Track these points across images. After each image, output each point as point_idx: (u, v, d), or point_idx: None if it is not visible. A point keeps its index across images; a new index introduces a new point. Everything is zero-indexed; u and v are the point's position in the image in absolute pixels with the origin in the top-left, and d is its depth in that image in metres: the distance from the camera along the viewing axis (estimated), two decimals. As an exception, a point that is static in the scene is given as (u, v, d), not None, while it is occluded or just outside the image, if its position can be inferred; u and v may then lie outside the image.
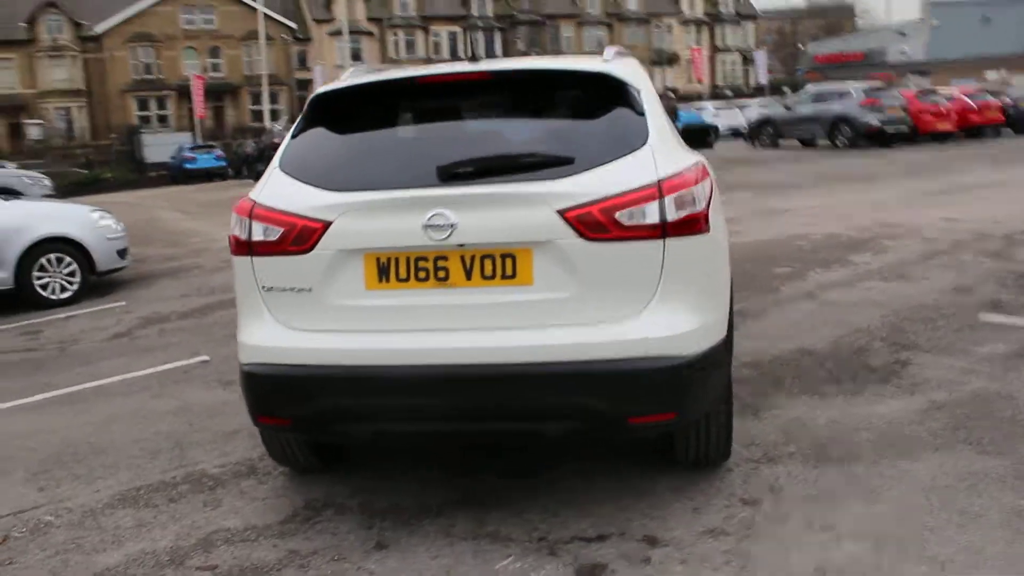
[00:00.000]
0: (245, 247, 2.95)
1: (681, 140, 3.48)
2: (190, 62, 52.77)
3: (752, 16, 63.91)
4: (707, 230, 2.81)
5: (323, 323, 2.87)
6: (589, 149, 2.80)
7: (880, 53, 44.24)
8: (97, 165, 29.12)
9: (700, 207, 2.79)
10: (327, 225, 2.80)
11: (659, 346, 2.68)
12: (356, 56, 55.61)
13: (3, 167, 17.14)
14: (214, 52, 53.50)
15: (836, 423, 3.77)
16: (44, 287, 7.53)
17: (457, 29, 59.04)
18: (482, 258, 2.72)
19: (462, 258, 2.73)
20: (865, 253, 7.67)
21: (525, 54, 54.42)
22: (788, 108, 23.32)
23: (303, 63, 55.88)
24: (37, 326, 6.99)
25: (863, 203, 11.09)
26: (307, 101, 3.19)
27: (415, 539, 3.01)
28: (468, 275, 2.74)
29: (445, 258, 2.74)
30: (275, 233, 2.87)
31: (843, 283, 6.54)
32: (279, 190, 2.95)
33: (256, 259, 2.93)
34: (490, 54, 59.15)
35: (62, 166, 28.40)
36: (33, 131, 40.89)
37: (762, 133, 23.67)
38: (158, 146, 38.89)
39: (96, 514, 3.42)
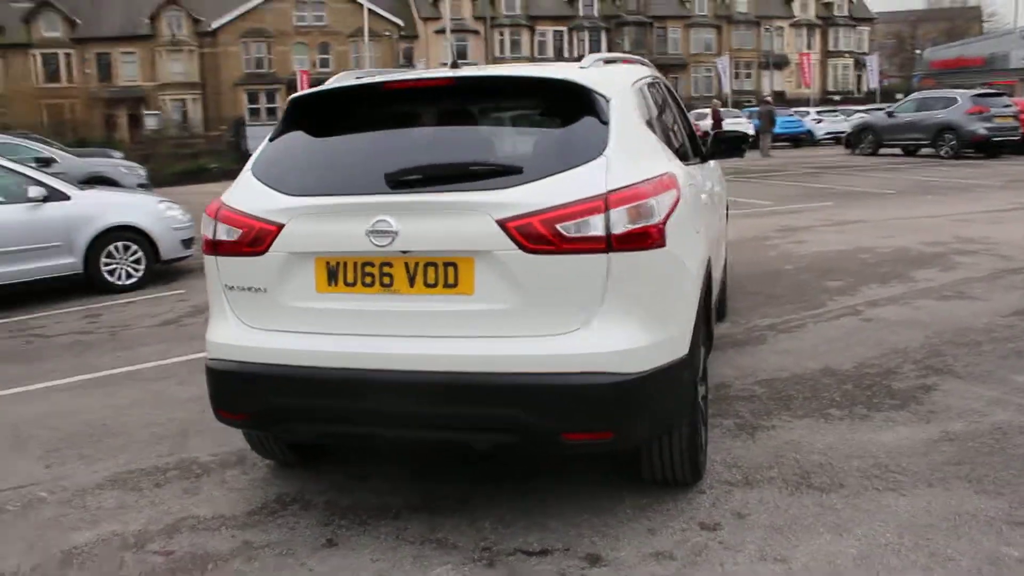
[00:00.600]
0: (211, 247, 3.02)
1: (669, 149, 3.37)
2: (300, 57, 54.74)
3: (867, 19, 61.36)
4: (663, 244, 2.71)
5: (277, 323, 2.92)
6: (541, 159, 2.75)
7: (1003, 59, 41.68)
8: (206, 155, 30.49)
9: (654, 220, 2.69)
10: (280, 228, 2.85)
11: (598, 362, 2.60)
12: (461, 54, 56.37)
13: (109, 156, 18.08)
14: (323, 48, 55.32)
15: (832, 449, 3.57)
16: (111, 273, 7.93)
17: (563, 29, 59.03)
18: (425, 266, 2.71)
19: (406, 265, 2.73)
20: (931, 269, 7.25)
21: (628, 54, 53.84)
22: (891, 115, 22.28)
23: (409, 60, 57.01)
24: (98, 310, 7.37)
25: (947, 216, 10.49)
26: (286, 105, 3.24)
27: (365, 539, 3.03)
28: (412, 282, 2.73)
29: (390, 264, 2.74)
30: (235, 234, 2.93)
31: (895, 300, 6.20)
32: (245, 192, 3.01)
33: (219, 259, 3.00)
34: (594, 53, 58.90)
35: (173, 155, 29.87)
36: (150, 121, 43.22)
37: (862, 140, 22.68)
38: (261, 138, 40.33)
39: (85, 493, 3.58)
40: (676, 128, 4.07)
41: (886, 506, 3.04)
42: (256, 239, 2.89)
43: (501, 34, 57.63)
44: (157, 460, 3.89)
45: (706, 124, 28.60)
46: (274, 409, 2.92)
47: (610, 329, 2.63)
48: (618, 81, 3.10)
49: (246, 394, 2.97)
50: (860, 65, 56.89)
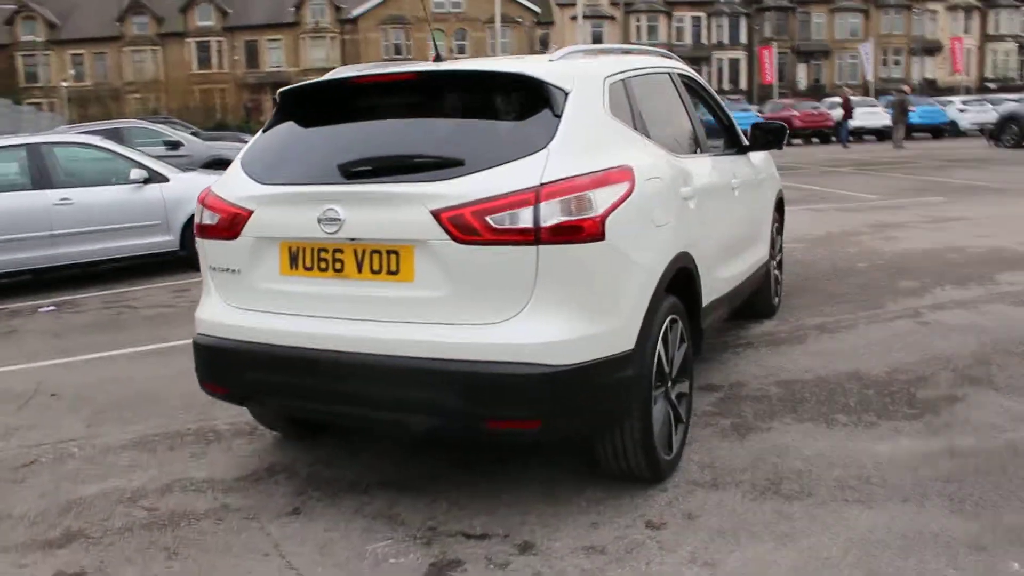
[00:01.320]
0: (199, 230, 3.25)
1: (656, 142, 3.33)
2: (437, 43, 56.00)
3: (1036, -2, 56.63)
4: (601, 237, 2.71)
5: (249, 302, 3.11)
6: (484, 152, 2.80)
7: None
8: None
9: (591, 214, 2.69)
10: (250, 214, 3.04)
11: (525, 352, 2.64)
12: (597, 40, 56.12)
13: (241, 139, 19.18)
14: (460, 34, 56.46)
15: (820, 456, 3.45)
16: (205, 250, 8.50)
17: (701, 15, 57.67)
18: (371, 253, 2.83)
19: (355, 252, 2.85)
20: (1020, 272, 6.74)
21: (769, 42, 52.05)
22: (1042, 104, 20.61)
23: (545, 47, 57.21)
24: (188, 285, 7.91)
25: (1071, 217, 9.68)
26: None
27: (328, 511, 3.19)
28: (359, 268, 2.85)
29: (341, 251, 2.87)
30: (215, 219, 3.15)
31: (964, 304, 5.82)
32: (230, 181, 3.22)
33: (205, 242, 3.22)
34: (734, 41, 57.21)
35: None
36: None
37: (1005, 132, 21.08)
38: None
39: (108, 452, 3.92)
40: (680, 120, 3.99)
41: (845, 519, 2.93)
42: (231, 224, 3.09)
43: (638, 20, 56.85)
44: (180, 426, 4.20)
45: (837, 113, 27.38)
46: (245, 383, 3.12)
47: (539, 320, 2.67)
48: (583, 74, 3.10)
49: (223, 368, 3.18)
50: (1024, 49, 52.65)
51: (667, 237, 3.11)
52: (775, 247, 5.61)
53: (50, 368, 5.47)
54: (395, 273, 2.80)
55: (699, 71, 60.54)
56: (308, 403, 3.05)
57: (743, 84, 56.90)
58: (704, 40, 57.55)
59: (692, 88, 4.63)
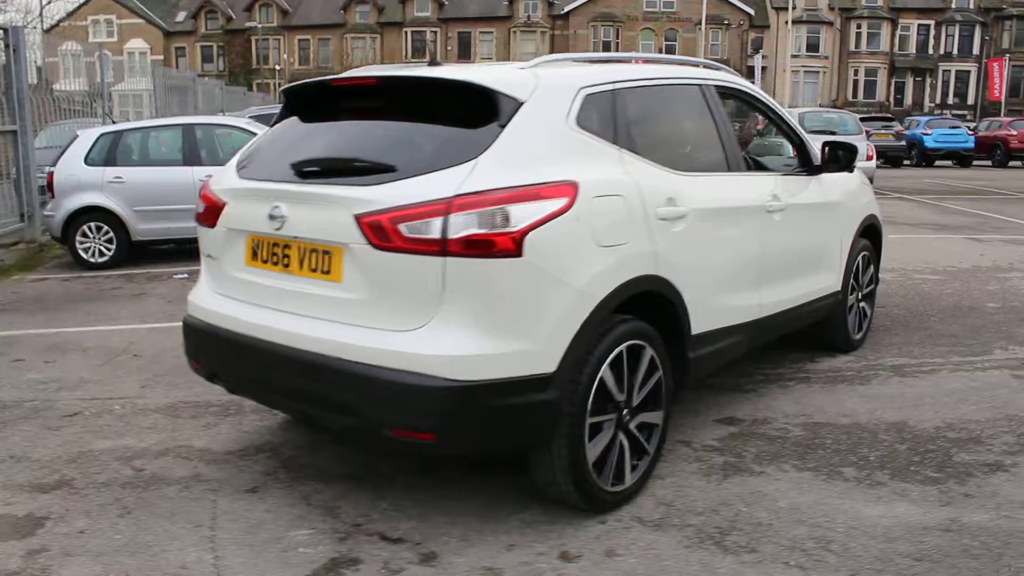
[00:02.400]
0: (196, 217, 3.48)
1: (643, 156, 3.19)
2: (646, 43, 55.73)
3: None
4: (518, 254, 2.63)
5: (223, 288, 3.30)
6: (419, 159, 2.80)
7: None
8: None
9: (508, 229, 2.62)
10: (224, 206, 3.22)
11: (427, 364, 2.62)
12: (813, 47, 53.35)
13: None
14: (670, 35, 55.67)
15: (792, 511, 3.16)
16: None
17: (929, 22, 53.21)
18: (310, 251, 2.91)
19: (299, 248, 2.95)
20: None
21: (1003, 54, 47.16)
22: None
23: (757, 51, 55.17)
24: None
25: None
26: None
27: (280, 493, 3.33)
28: (301, 264, 2.95)
29: (288, 246, 2.98)
30: (202, 208, 3.37)
31: (1088, 362, 5.06)
32: (221, 174, 3.42)
33: (199, 228, 3.45)
34: (964, 52, 52.27)
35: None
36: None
37: None
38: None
39: (141, 413, 4.29)
40: (700, 135, 3.76)
41: (768, 583, 2.68)
42: (212, 214, 3.29)
43: (858, 26, 53.28)
44: (213, 397, 4.49)
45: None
46: (211, 362, 3.32)
47: (445, 333, 2.64)
48: (548, 84, 3.00)
49: (196, 347, 3.40)
50: None
51: (619, 259, 2.96)
52: (858, 278, 5.15)
53: (149, 330, 6.03)
54: (328, 273, 2.87)
55: (922, 84, 55.70)
56: (250, 389, 3.20)
57: (971, 99, 51.99)
58: (930, 50, 53.07)
59: (752, 104, 4.36)
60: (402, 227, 2.64)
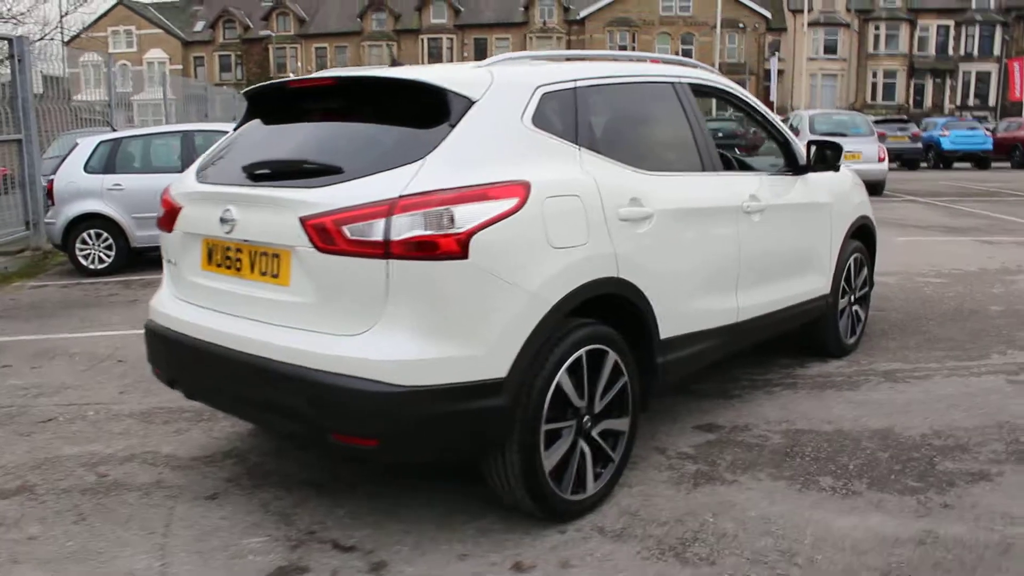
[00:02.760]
0: (157, 222, 3.44)
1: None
2: (662, 47, 55.56)
3: None
4: (463, 256, 2.56)
5: (182, 293, 3.26)
6: (367, 160, 2.74)
7: None
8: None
9: (453, 230, 2.55)
10: (180, 210, 3.18)
11: (369, 369, 2.56)
12: (830, 49, 52.92)
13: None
14: (686, 39, 55.49)
15: (760, 521, 3.06)
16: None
17: (949, 23, 52.57)
18: (260, 255, 2.86)
19: (249, 252, 2.90)
20: None
21: (1021, 55, 46.47)
22: None
23: (775, 54, 54.80)
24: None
25: None
26: None
27: (239, 500, 3.27)
28: (252, 268, 2.89)
29: (240, 250, 2.93)
30: (162, 212, 3.33)
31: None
32: (182, 179, 3.38)
33: (161, 233, 3.41)
34: (985, 53, 51.58)
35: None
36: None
37: None
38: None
39: (114, 419, 4.25)
40: (672, 134, 3.68)
41: (727, 596, 2.58)
42: (169, 218, 3.25)
43: (876, 28, 52.72)
44: (187, 403, 4.36)
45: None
46: (169, 368, 3.27)
47: (387, 338, 2.57)
48: (502, 82, 2.93)
49: (156, 352, 3.35)
50: None
51: (575, 261, 2.87)
52: (850, 281, 5.03)
53: (138, 336, 5.97)
54: (276, 277, 2.81)
55: (942, 85, 54.94)
56: (206, 395, 3.15)
57: (992, 100, 51.28)
58: (950, 51, 52.43)
59: (732, 102, 4.27)
60: (345, 229, 2.58)
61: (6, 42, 10.10)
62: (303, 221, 2.65)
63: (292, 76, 3.08)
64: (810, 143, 4.50)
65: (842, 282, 4.91)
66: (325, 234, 2.61)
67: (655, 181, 3.34)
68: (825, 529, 3.00)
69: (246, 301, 2.92)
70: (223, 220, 2.90)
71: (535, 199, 2.75)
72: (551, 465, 2.89)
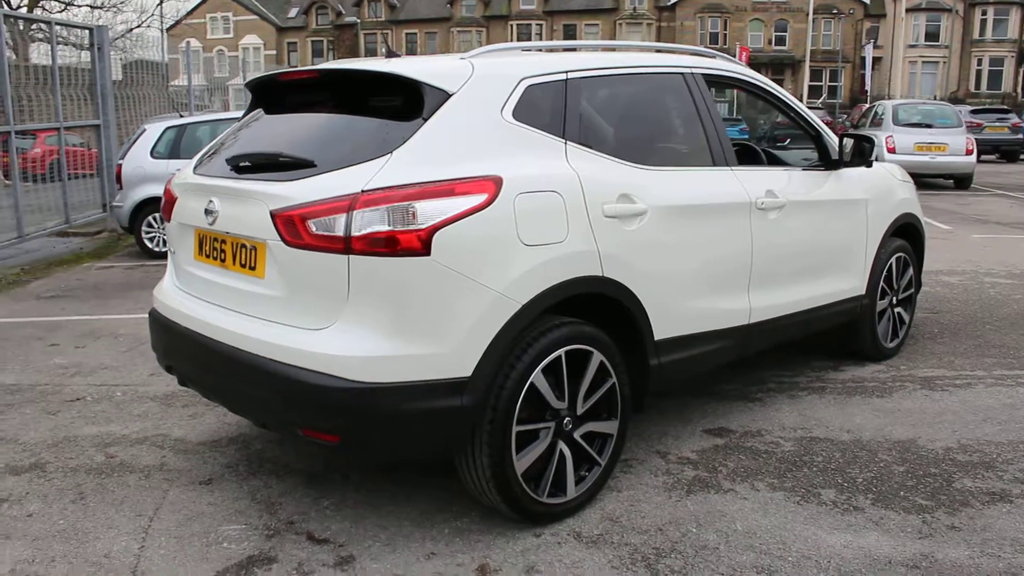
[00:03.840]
0: (161, 212, 3.52)
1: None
2: (755, 34, 54.17)
3: None
4: (425, 252, 2.52)
5: (180, 282, 3.32)
6: (339, 154, 2.72)
7: None
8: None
9: (414, 226, 2.51)
10: (175, 201, 3.24)
11: (331, 364, 2.55)
12: (932, 35, 50.41)
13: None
14: (780, 25, 53.89)
15: (747, 534, 2.93)
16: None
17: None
18: (240, 246, 2.88)
19: (232, 244, 2.93)
20: None
21: None
22: None
23: (873, 41, 52.59)
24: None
25: None
26: None
27: (231, 487, 3.33)
28: (234, 260, 2.92)
29: (224, 241, 2.96)
30: (164, 203, 3.40)
31: None
32: (184, 169, 3.44)
33: (165, 223, 3.49)
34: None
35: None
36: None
37: None
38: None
39: (138, 400, 4.40)
40: (678, 127, 3.54)
41: (691, 611, 2.48)
42: (168, 208, 3.32)
43: (984, 13, 49.82)
44: (212, 385, 4.58)
45: None
46: (167, 355, 3.34)
47: (349, 333, 2.56)
48: (483, 75, 2.86)
49: (157, 339, 3.43)
50: None
51: (551, 259, 2.79)
52: (891, 281, 4.78)
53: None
54: (254, 269, 2.83)
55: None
56: (194, 383, 3.20)
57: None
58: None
59: (755, 93, 4.09)
60: (311, 223, 2.57)
61: (87, 31, 10.54)
62: (273, 215, 2.66)
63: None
64: (843, 136, 4.28)
65: (880, 283, 4.66)
66: (292, 228, 2.61)
67: (652, 176, 3.23)
68: (813, 546, 2.85)
69: (229, 292, 2.96)
70: (207, 212, 2.94)
71: (506, 195, 2.68)
72: (524, 467, 2.83)
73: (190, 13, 55.75)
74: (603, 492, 3.21)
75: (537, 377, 2.81)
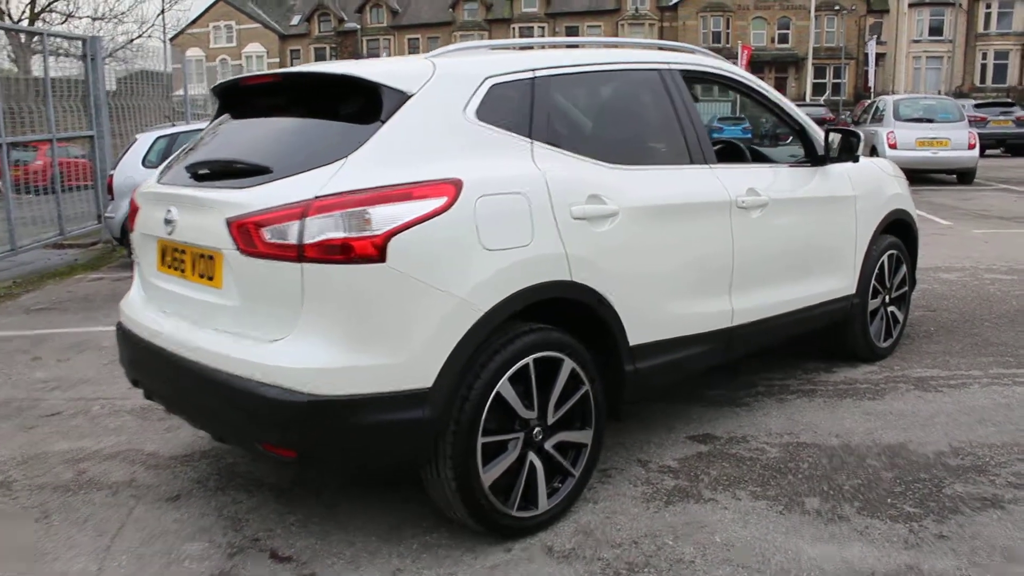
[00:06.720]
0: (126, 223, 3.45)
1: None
2: (758, 32, 53.99)
3: None
4: (380, 259, 2.44)
5: (145, 292, 3.25)
6: (295, 158, 2.64)
7: None
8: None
9: (368, 232, 2.43)
10: (137, 210, 3.17)
11: (285, 377, 2.46)
12: (936, 30, 50.07)
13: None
14: (783, 23, 53.69)
15: (725, 547, 2.83)
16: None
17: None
18: (199, 256, 2.80)
19: (191, 254, 2.85)
20: None
21: None
22: None
23: (877, 38, 52.30)
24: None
25: None
26: None
27: (199, 503, 3.25)
28: (193, 270, 2.84)
29: (184, 252, 2.89)
30: (129, 212, 3.32)
31: None
32: (150, 179, 3.36)
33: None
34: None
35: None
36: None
37: None
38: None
39: (115, 414, 4.31)
40: (654, 125, 3.45)
41: (662, 629, 2.38)
42: (132, 218, 3.25)
43: (988, 6, 49.44)
44: (190, 397, 4.50)
45: None
46: (132, 368, 3.26)
47: (303, 344, 2.47)
48: (444, 74, 2.78)
49: (123, 352, 3.35)
50: None
51: (515, 263, 2.69)
52: (883, 280, 4.67)
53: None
54: (211, 279, 2.75)
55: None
56: (158, 397, 3.11)
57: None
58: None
59: (737, 89, 3.99)
60: (264, 231, 2.49)
61: (80, 42, 10.51)
62: (229, 223, 2.58)
63: None
64: (828, 131, 4.17)
65: (872, 281, 4.55)
66: (247, 236, 2.53)
67: (624, 176, 3.13)
68: (793, 559, 2.75)
69: (188, 303, 2.88)
70: (167, 221, 2.87)
71: (466, 198, 2.59)
72: (492, 480, 2.74)
73: (193, 23, 55.89)
74: (578, 503, 3.11)
75: (504, 386, 2.71)
